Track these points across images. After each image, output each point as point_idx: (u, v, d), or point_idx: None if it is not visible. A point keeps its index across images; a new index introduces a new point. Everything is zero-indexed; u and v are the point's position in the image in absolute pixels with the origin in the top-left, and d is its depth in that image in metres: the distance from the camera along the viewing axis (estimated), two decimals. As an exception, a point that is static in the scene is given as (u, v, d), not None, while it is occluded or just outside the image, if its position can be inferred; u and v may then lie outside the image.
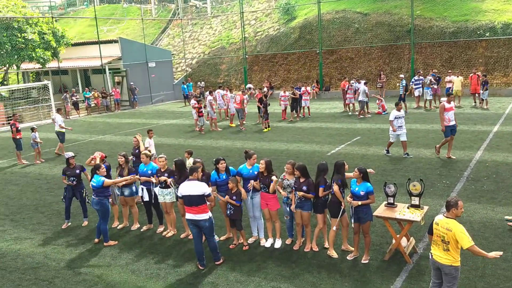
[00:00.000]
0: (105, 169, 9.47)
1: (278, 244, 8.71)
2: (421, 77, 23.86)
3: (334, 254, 8.08)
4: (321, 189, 7.96)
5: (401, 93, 22.82)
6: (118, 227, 10.27)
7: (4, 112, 28.93)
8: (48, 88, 30.11)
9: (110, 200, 9.66)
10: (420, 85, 23.60)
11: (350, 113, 23.78)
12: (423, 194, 7.98)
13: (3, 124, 28.01)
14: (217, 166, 8.81)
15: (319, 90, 32.42)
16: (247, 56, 36.26)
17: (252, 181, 8.53)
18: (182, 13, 46.62)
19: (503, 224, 8.86)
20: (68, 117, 30.01)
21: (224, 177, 8.76)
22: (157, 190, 9.53)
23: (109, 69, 34.69)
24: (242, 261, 8.22)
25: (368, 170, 8.02)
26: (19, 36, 29.21)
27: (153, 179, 9.46)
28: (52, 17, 33.25)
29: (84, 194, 10.55)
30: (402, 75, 24.46)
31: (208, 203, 7.92)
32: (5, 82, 35.67)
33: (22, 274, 8.32)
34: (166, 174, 9.27)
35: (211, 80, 38.36)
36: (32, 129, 17.43)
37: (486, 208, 9.75)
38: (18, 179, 15.44)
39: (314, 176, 8.21)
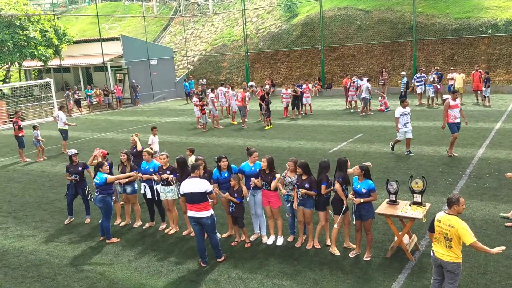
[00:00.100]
0: (108, 166, 9.48)
1: (280, 241, 8.72)
2: (423, 74, 23.83)
3: (336, 251, 8.09)
4: (323, 186, 7.97)
5: (401, 90, 22.82)
6: (120, 225, 10.29)
7: (6, 110, 28.98)
8: (50, 86, 30.15)
9: (113, 197, 9.67)
10: (422, 82, 23.57)
11: (352, 110, 23.76)
12: (425, 192, 7.98)
13: (6, 122, 28.06)
14: (219, 164, 8.82)
15: (321, 87, 32.40)
16: (248, 54, 36.23)
17: (253, 179, 8.53)
18: (183, 10, 46.58)
19: (505, 221, 8.85)
20: (70, 114, 30.04)
21: (226, 175, 8.77)
22: (159, 187, 9.54)
23: (111, 67, 34.71)
24: (244, 258, 8.23)
25: (366, 163, 8.06)
26: (21, 33, 29.23)
27: (155, 177, 9.47)
28: (54, 15, 33.26)
29: (86, 191, 10.58)
30: (403, 73, 24.44)
31: (210, 200, 7.93)
32: (7, 80, 35.73)
33: (25, 271, 8.35)
34: (168, 172, 9.29)
35: (212, 77, 38.35)
36: (34, 127, 17.45)
37: (488, 205, 9.75)
38: (21, 176, 15.48)
39: (316, 174, 8.21)
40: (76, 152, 10.89)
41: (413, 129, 14.51)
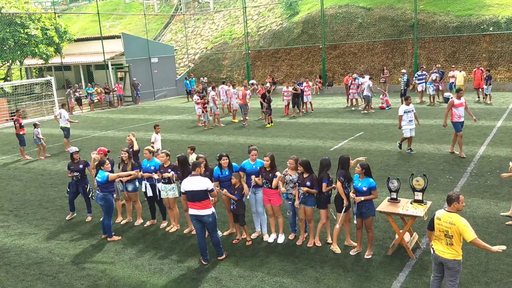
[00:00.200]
0: (109, 164, 9.49)
1: (281, 239, 8.73)
2: (424, 72, 23.79)
3: (337, 249, 8.09)
4: (324, 184, 7.97)
5: (402, 88, 22.82)
6: (121, 223, 10.30)
7: (8, 108, 29.00)
8: (51, 84, 30.16)
9: (114, 195, 9.68)
10: (423, 80, 23.54)
11: (353, 108, 23.74)
12: (426, 189, 7.98)
13: (7, 120, 28.08)
14: (220, 162, 8.83)
15: (322, 85, 32.37)
16: (249, 52, 36.20)
17: (253, 177, 8.53)
18: (184, 8, 46.54)
19: (506, 219, 8.85)
20: (71, 113, 30.05)
21: (227, 173, 8.77)
22: (160, 185, 9.55)
23: (112, 65, 34.71)
24: (245, 256, 8.24)
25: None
26: (22, 32, 29.22)
27: (155, 175, 9.48)
28: (55, 13, 33.24)
29: (87, 189, 10.59)
30: (404, 70, 24.41)
31: (211, 198, 7.94)
32: (8, 78, 35.73)
33: (26, 269, 8.37)
34: (169, 170, 9.29)
35: (213, 75, 38.34)
36: (35, 125, 17.46)
37: (490, 203, 9.74)
38: (22, 174, 15.49)
39: (317, 172, 8.21)
40: (77, 149, 10.91)
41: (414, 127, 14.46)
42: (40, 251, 9.12)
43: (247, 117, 22.02)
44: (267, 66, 36.20)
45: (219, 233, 8.50)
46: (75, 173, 10.49)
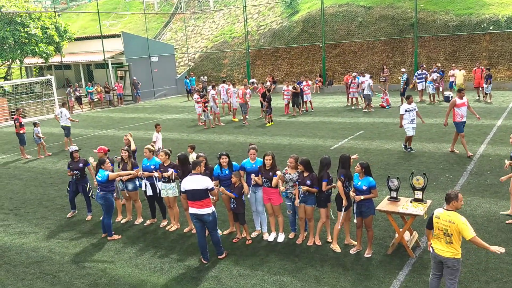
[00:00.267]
0: (110, 163, 9.49)
1: (281, 238, 8.73)
2: (424, 71, 23.79)
3: (337, 248, 8.09)
4: (324, 183, 7.97)
5: (401, 87, 22.84)
6: (121, 222, 10.31)
7: (8, 107, 29.00)
8: (51, 83, 30.15)
9: (114, 194, 9.68)
10: (423, 79, 23.54)
11: (353, 107, 23.73)
12: (426, 188, 7.98)
13: (7, 119, 28.09)
14: (219, 160, 8.82)
15: (322, 84, 32.36)
16: (250, 51, 36.19)
17: (253, 175, 8.53)
18: (184, 7, 46.52)
19: (506, 218, 8.85)
20: (71, 111, 30.04)
21: (227, 172, 8.75)
22: (160, 184, 9.55)
23: (112, 64, 34.70)
24: (245, 255, 8.25)
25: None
26: (22, 30, 29.22)
27: (156, 174, 9.48)
28: (55, 12, 33.23)
29: (87, 188, 10.59)
30: (403, 69, 24.40)
31: (211, 197, 7.94)
32: (8, 77, 35.73)
33: (27, 268, 8.37)
34: (169, 169, 9.29)
35: (213, 74, 38.33)
36: (35, 124, 17.46)
37: (490, 202, 9.74)
38: (22, 173, 15.50)
39: (317, 171, 8.21)
40: (77, 148, 10.92)
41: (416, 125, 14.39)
42: (40, 250, 9.13)
43: (247, 116, 22.02)
44: (267, 65, 36.19)
45: (219, 232, 8.50)
46: (75, 172, 10.51)
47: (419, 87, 23.71)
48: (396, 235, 7.88)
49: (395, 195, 8.00)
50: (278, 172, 8.37)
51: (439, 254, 5.90)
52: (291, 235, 8.82)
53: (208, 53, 39.98)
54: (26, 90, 31.55)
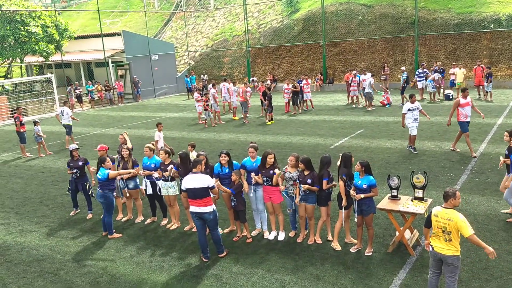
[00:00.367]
0: (110, 162, 9.50)
1: (281, 236, 8.73)
2: (425, 70, 23.77)
3: (338, 246, 8.09)
4: (324, 181, 7.96)
5: (401, 85, 22.83)
6: (122, 220, 10.31)
7: (8, 105, 29.00)
8: (52, 82, 30.16)
9: (115, 193, 9.68)
10: (424, 78, 23.53)
11: (354, 105, 23.72)
12: (427, 187, 7.98)
13: (7, 117, 28.09)
14: (220, 159, 8.82)
15: (322, 82, 32.34)
16: (250, 49, 36.17)
17: (253, 174, 8.53)
18: (185, 5, 46.50)
19: (507, 216, 8.85)
20: (72, 110, 30.02)
21: (227, 170, 8.74)
22: (160, 183, 9.55)
23: (112, 62, 34.69)
24: (245, 253, 8.25)
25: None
26: (22, 29, 29.21)
27: (156, 173, 9.48)
28: (55, 10, 33.22)
29: (87, 187, 10.60)
30: (403, 68, 24.39)
31: (212, 195, 7.94)
32: (8, 76, 35.73)
33: (27, 266, 8.38)
34: (170, 165, 9.29)
35: (214, 73, 38.32)
36: (35, 123, 17.46)
37: (490, 200, 9.74)
38: (23, 172, 15.50)
39: (318, 169, 8.21)
40: (77, 147, 10.93)
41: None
42: (41, 248, 9.13)
43: (247, 115, 22.01)
44: (268, 64, 36.17)
45: (220, 230, 8.50)
46: (74, 170, 10.52)
47: (419, 85, 23.69)
48: (397, 233, 7.88)
49: (395, 194, 8.00)
50: (277, 170, 8.35)
51: (439, 252, 5.91)
52: (291, 234, 8.82)
53: (208, 52, 39.95)
54: (26, 89, 31.53)
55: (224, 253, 8.17)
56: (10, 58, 31.49)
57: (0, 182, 14.44)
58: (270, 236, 8.81)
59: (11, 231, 10.19)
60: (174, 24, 46.08)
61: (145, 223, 10.07)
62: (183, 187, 7.94)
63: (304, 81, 23.30)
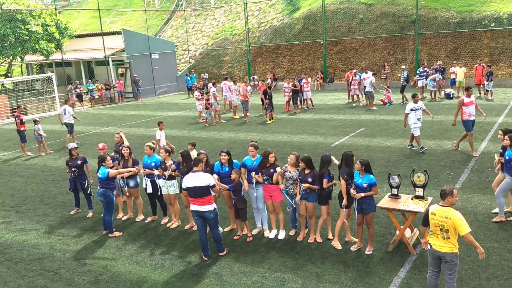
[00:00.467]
0: (111, 160, 9.50)
1: (281, 235, 8.74)
2: (426, 69, 23.75)
3: (338, 245, 8.09)
4: (325, 180, 7.96)
5: (401, 83, 22.82)
6: (122, 219, 10.32)
7: (8, 104, 29.01)
8: (52, 80, 30.15)
9: (115, 192, 9.68)
10: (424, 77, 23.52)
11: (354, 104, 23.70)
12: (427, 185, 7.97)
13: (8, 116, 28.09)
14: (220, 157, 8.82)
15: (323, 81, 32.32)
16: (250, 48, 36.14)
17: (253, 174, 8.52)
18: (185, 4, 46.46)
19: (507, 215, 8.84)
20: (73, 109, 30.02)
21: (227, 169, 8.74)
22: (160, 182, 9.55)
23: (113, 61, 34.67)
24: (246, 252, 8.25)
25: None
26: (23, 28, 29.19)
27: (156, 172, 9.48)
28: (56, 9, 33.19)
29: (86, 185, 10.60)
30: (403, 66, 24.39)
31: (213, 193, 7.94)
32: (9, 74, 35.73)
33: (28, 265, 8.39)
34: (169, 162, 9.29)
35: (214, 71, 38.31)
36: (35, 122, 17.45)
37: (491, 199, 9.72)
38: (23, 170, 15.51)
39: (318, 168, 8.20)
40: (76, 146, 10.94)
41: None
42: (42, 247, 9.14)
43: (248, 113, 22.01)
44: (268, 62, 36.15)
45: (220, 229, 8.50)
46: (73, 169, 10.53)
47: (420, 84, 23.69)
48: (397, 232, 7.88)
49: (396, 192, 8.00)
50: (278, 169, 8.36)
51: (437, 250, 5.94)
52: (291, 232, 8.82)
53: (208, 50, 39.94)
54: (27, 88, 31.54)
55: (225, 252, 8.18)
56: (11, 57, 31.49)
57: (0, 180, 14.45)
58: (271, 234, 8.81)
59: (11, 229, 10.20)
60: (175, 22, 46.06)
61: (146, 221, 10.08)
62: (184, 186, 7.93)
63: (304, 80, 23.29)
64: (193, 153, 10.24)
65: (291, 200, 8.47)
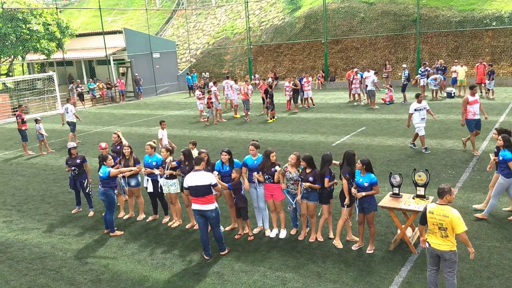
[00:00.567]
0: (112, 159, 9.50)
1: (283, 234, 8.74)
2: (427, 68, 23.73)
3: (339, 244, 8.09)
4: (326, 179, 7.96)
5: (402, 82, 22.80)
6: (124, 218, 10.33)
7: (10, 103, 29.04)
8: (53, 79, 30.18)
9: (116, 191, 9.69)
10: (426, 76, 23.50)
11: (355, 103, 23.69)
12: (429, 185, 7.97)
13: (9, 115, 28.12)
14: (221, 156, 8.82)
15: (324, 80, 32.30)
16: (251, 47, 36.12)
17: (255, 173, 8.52)
18: (186, 3, 46.45)
19: (508, 214, 8.84)
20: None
21: (227, 168, 8.74)
22: (161, 181, 9.56)
23: (114, 60, 34.69)
24: (247, 251, 8.26)
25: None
26: (24, 27, 29.22)
27: (156, 171, 9.48)
28: (57, 8, 33.22)
29: (85, 184, 10.61)
30: (404, 65, 24.36)
31: (214, 192, 7.95)
32: (10, 73, 35.76)
33: (29, 263, 8.40)
34: (169, 158, 9.29)
35: (215, 70, 38.30)
36: (36, 121, 17.47)
37: (492, 198, 9.71)
38: (25, 169, 15.53)
39: (319, 167, 8.20)
40: (75, 145, 10.96)
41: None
42: (43, 246, 9.15)
43: (249, 113, 22.00)
44: (269, 61, 36.14)
45: (221, 228, 8.51)
46: (73, 168, 10.55)
47: (421, 83, 23.66)
48: (398, 231, 7.88)
49: (397, 191, 8.00)
50: (278, 167, 8.35)
51: (436, 248, 5.96)
52: (293, 231, 8.82)
53: (209, 49, 39.93)
54: (28, 87, 31.58)
55: (226, 251, 8.18)
56: (12, 56, 31.51)
57: (2, 180, 14.47)
58: (272, 234, 8.82)
59: (13, 228, 10.21)
60: (176, 21, 46.05)
61: (147, 220, 10.09)
62: (185, 185, 7.93)
63: (304, 79, 23.28)
64: (194, 152, 10.25)
65: (292, 200, 8.47)
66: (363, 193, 7.53)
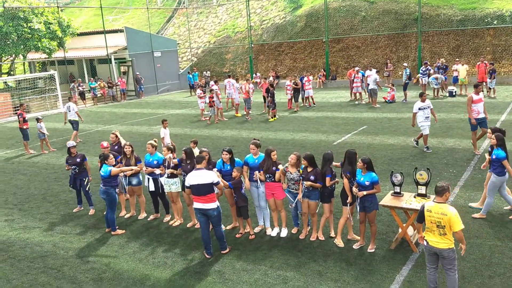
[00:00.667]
0: (113, 158, 9.51)
1: (284, 233, 8.74)
2: (428, 67, 23.70)
3: (340, 243, 8.09)
4: (327, 178, 7.96)
5: (404, 81, 22.79)
6: (125, 216, 10.34)
7: (11, 102, 29.06)
8: (55, 78, 30.20)
9: (117, 189, 9.70)
10: (427, 75, 23.47)
11: (356, 102, 23.68)
12: (430, 183, 7.97)
13: (10, 114, 28.15)
14: (222, 155, 8.82)
15: (325, 79, 32.29)
16: (252, 45, 36.12)
17: (256, 172, 8.52)
18: (187, 1, 46.43)
19: (509, 213, 8.83)
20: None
21: (228, 167, 8.74)
22: (162, 180, 9.57)
23: (115, 59, 34.70)
24: (248, 250, 8.26)
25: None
26: (25, 26, 29.23)
27: (157, 170, 9.48)
28: (58, 7, 33.23)
29: (85, 182, 10.62)
30: (405, 64, 24.34)
31: (216, 191, 7.95)
32: (11, 72, 35.78)
33: (31, 262, 8.42)
34: (169, 155, 9.30)
35: (216, 69, 38.30)
36: (38, 120, 17.48)
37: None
38: (26, 168, 15.55)
39: (320, 166, 8.20)
40: (75, 144, 10.98)
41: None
42: (45, 244, 9.17)
43: (250, 111, 21.99)
44: (270, 60, 36.12)
45: (223, 227, 8.51)
46: (73, 167, 10.57)
47: (422, 81, 23.61)
48: (400, 230, 7.88)
49: (398, 190, 8.00)
50: (280, 166, 8.35)
51: (434, 246, 5.98)
52: (294, 230, 8.83)
53: (211, 48, 39.92)
54: (29, 86, 31.60)
55: (227, 250, 8.19)
56: (13, 55, 31.53)
57: (3, 178, 14.49)
58: (273, 232, 8.82)
59: (14, 227, 10.23)
60: (177, 20, 46.04)
61: (148, 219, 10.09)
62: (187, 184, 7.94)
63: (305, 78, 23.27)
64: (195, 151, 10.25)
65: (293, 199, 8.47)
66: (364, 192, 7.53)
